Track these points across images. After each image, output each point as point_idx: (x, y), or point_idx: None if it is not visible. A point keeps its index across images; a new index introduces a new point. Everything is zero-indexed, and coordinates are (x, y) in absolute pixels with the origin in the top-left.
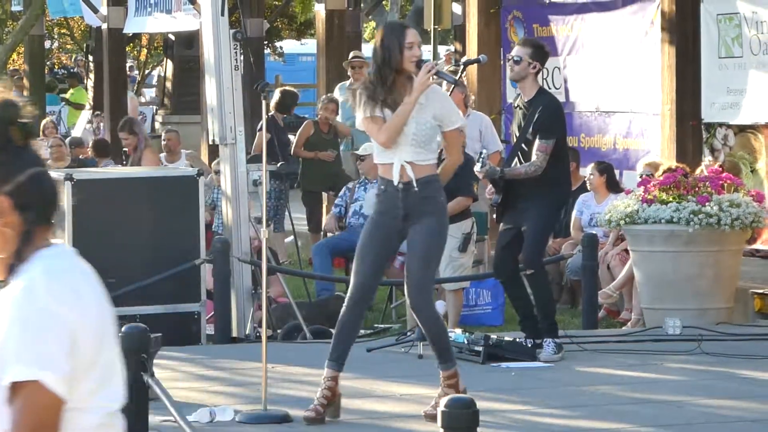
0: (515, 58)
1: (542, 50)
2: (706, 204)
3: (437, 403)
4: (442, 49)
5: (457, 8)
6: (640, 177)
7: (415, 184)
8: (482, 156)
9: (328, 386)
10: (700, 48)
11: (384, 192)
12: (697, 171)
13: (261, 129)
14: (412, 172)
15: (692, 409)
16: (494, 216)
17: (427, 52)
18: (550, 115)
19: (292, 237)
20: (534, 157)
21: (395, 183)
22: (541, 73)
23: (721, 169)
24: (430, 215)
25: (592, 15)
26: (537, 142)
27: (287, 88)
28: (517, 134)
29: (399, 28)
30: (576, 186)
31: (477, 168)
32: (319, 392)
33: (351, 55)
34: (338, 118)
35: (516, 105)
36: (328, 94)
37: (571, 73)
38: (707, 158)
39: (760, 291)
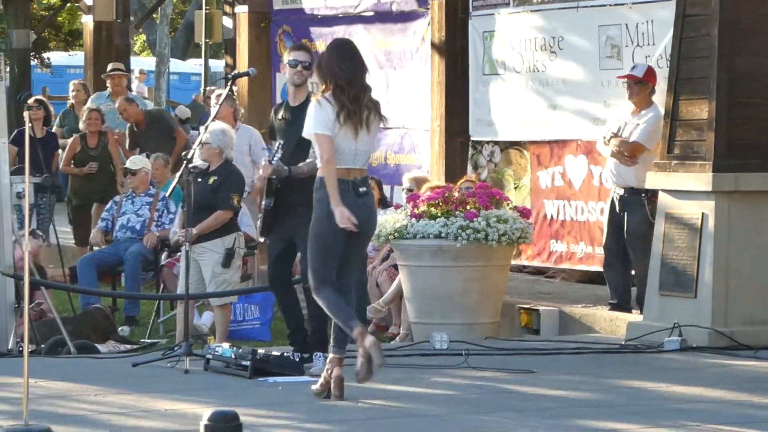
0: (305, 63)
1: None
2: (474, 219)
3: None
4: (214, 63)
5: (227, 22)
6: (406, 191)
7: None
8: (279, 146)
9: None
10: (468, 65)
11: None
12: (458, 184)
13: (19, 141)
14: None
15: (459, 422)
16: (259, 224)
17: (197, 66)
18: None
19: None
20: (312, 157)
21: None
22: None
23: (488, 184)
24: None
25: (361, 31)
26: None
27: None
28: (283, 141)
29: None
30: None
31: (268, 162)
32: None
33: (109, 67)
34: (104, 126)
35: (281, 117)
36: (88, 106)
37: None
38: (470, 174)
39: (527, 306)
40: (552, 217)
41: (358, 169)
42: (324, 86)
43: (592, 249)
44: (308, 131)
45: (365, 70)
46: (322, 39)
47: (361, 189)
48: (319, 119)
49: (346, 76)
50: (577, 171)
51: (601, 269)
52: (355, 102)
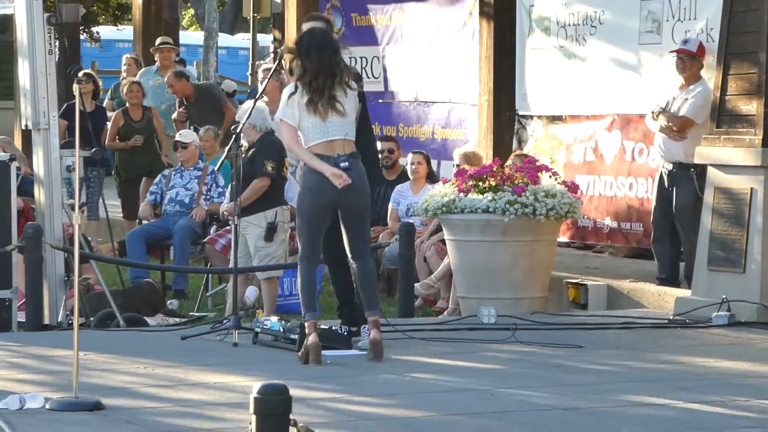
0: None
1: None
2: (522, 194)
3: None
4: (262, 37)
5: None
6: (456, 167)
7: None
8: None
9: None
10: (515, 40)
11: None
12: (508, 161)
13: (68, 115)
14: None
15: (506, 397)
16: None
17: (246, 40)
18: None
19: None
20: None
21: None
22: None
23: (536, 159)
24: None
25: (410, 5)
26: None
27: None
28: None
29: None
30: (394, 176)
31: None
32: None
33: (158, 41)
34: (146, 102)
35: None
36: (128, 78)
37: (390, 63)
38: (515, 149)
39: (575, 281)
40: (581, 191)
41: (340, 140)
42: (296, 66)
43: (617, 224)
44: (276, 115)
45: (334, 53)
46: (371, 13)
47: (342, 164)
48: (285, 106)
49: (310, 65)
50: (610, 146)
51: (629, 244)
52: (321, 84)
